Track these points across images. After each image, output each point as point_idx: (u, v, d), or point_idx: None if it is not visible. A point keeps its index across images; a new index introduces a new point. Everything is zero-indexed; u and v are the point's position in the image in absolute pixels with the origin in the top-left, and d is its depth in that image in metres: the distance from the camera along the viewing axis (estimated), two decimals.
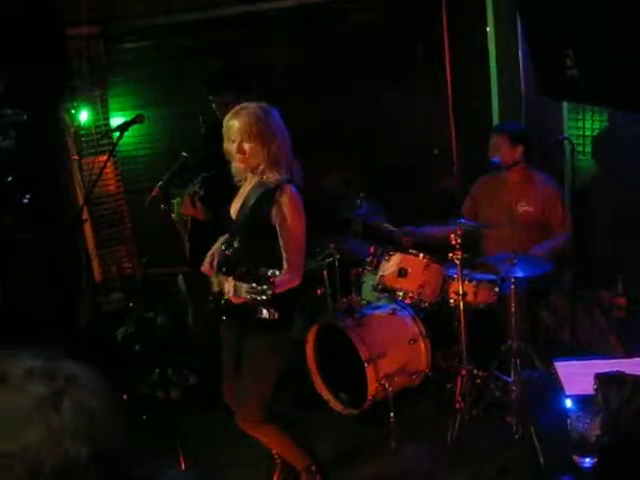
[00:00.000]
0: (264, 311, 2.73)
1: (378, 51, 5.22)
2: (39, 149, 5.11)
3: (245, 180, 3.21)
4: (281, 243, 3.01)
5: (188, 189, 4.09)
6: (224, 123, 3.06)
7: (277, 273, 2.73)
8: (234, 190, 3.28)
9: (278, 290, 2.81)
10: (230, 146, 3.05)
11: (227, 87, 4.17)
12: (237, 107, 3.04)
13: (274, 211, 3.00)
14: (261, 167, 3.03)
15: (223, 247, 3.21)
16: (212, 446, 3.99)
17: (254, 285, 2.66)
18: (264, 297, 2.64)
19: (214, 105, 4.24)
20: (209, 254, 3.28)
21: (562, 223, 4.31)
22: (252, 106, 3.02)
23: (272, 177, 3.02)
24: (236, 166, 3.13)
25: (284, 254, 3.00)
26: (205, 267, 3.23)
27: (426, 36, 5.20)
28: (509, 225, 4.34)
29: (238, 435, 3.57)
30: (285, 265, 2.99)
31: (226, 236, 3.29)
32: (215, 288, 3.18)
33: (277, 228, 3.01)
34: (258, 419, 3.21)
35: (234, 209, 3.22)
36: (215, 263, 3.19)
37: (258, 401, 3.19)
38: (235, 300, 2.88)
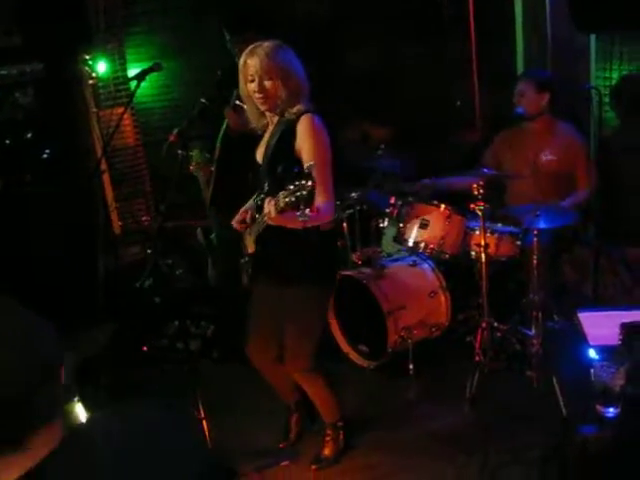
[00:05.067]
0: (306, 211, 2.50)
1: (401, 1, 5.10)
2: (57, 103, 5.08)
3: (264, 127, 3.12)
4: None
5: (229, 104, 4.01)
6: (240, 64, 2.95)
7: (311, 164, 2.57)
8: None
9: (308, 224, 2.74)
10: (248, 87, 2.95)
11: (248, 26, 4.04)
12: (250, 46, 2.93)
13: (297, 141, 2.90)
14: (281, 104, 2.93)
15: (255, 198, 3.11)
16: (230, 395, 4.02)
17: (291, 187, 2.49)
18: (304, 192, 2.46)
19: (230, 46, 4.13)
20: (242, 210, 3.18)
21: (586, 175, 4.22)
22: (266, 43, 2.91)
23: (293, 110, 2.92)
24: (252, 109, 3.05)
25: None
26: (237, 222, 3.14)
27: None
28: (532, 176, 4.26)
29: (255, 385, 3.59)
30: (316, 200, 2.83)
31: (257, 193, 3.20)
32: (249, 250, 3.14)
33: (302, 158, 2.88)
34: (307, 367, 3.25)
35: (259, 154, 3.12)
36: (249, 218, 3.09)
37: (306, 351, 3.21)
38: (276, 220, 2.69)
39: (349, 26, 5.27)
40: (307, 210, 2.51)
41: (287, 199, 2.52)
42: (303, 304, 3.12)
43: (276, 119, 3.03)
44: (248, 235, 3.14)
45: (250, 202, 3.22)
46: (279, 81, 2.88)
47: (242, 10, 4.36)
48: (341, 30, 5.26)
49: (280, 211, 2.60)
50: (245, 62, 2.93)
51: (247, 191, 3.28)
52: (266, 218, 2.75)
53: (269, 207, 2.65)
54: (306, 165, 2.59)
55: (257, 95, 2.92)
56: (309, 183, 2.47)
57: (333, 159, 2.96)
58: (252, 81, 2.92)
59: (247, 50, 2.94)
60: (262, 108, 2.99)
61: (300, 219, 2.55)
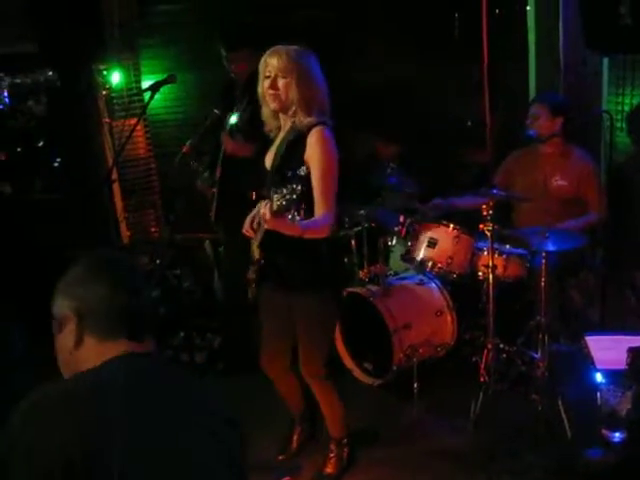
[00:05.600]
0: (295, 214, 2.57)
1: (413, 18, 5.12)
2: (70, 112, 5.11)
3: (277, 130, 3.11)
4: (313, 185, 2.88)
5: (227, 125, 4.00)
6: (260, 63, 2.96)
7: (304, 168, 2.63)
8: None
9: (306, 234, 2.77)
10: (263, 84, 2.95)
11: (245, 42, 4.04)
12: (275, 47, 2.95)
13: (307, 152, 2.90)
14: (293, 108, 2.92)
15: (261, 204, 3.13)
16: (234, 408, 3.99)
17: (284, 190, 2.52)
18: (294, 196, 2.50)
19: (226, 62, 4.14)
20: (249, 216, 3.16)
21: (596, 201, 4.22)
22: (291, 46, 2.93)
23: (305, 120, 2.92)
24: (267, 111, 3.04)
25: (315, 198, 2.88)
26: (246, 229, 3.12)
27: (463, 3, 5.09)
28: (542, 199, 4.25)
29: (260, 398, 3.58)
30: (316, 211, 2.88)
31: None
32: (256, 257, 3.13)
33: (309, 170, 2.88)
34: (321, 373, 3.27)
35: (268, 160, 3.13)
36: (255, 224, 3.06)
37: (319, 356, 3.24)
38: (271, 224, 2.68)
39: (358, 44, 5.28)
40: (296, 214, 2.56)
41: (279, 202, 2.54)
42: (309, 311, 3.12)
43: (288, 125, 3.02)
44: (254, 242, 3.14)
45: (257, 208, 3.19)
46: (293, 82, 2.88)
47: (238, 27, 4.37)
48: (350, 47, 5.28)
49: (273, 214, 2.60)
50: (265, 60, 2.94)
51: (249, 208, 3.30)
52: (263, 221, 2.75)
53: (264, 209, 2.66)
54: (300, 169, 2.61)
55: (269, 91, 2.92)
56: (299, 187, 2.50)
57: (342, 175, 2.96)
58: (268, 77, 2.92)
59: (271, 49, 2.95)
60: (271, 106, 2.97)
61: (290, 223, 2.60)
